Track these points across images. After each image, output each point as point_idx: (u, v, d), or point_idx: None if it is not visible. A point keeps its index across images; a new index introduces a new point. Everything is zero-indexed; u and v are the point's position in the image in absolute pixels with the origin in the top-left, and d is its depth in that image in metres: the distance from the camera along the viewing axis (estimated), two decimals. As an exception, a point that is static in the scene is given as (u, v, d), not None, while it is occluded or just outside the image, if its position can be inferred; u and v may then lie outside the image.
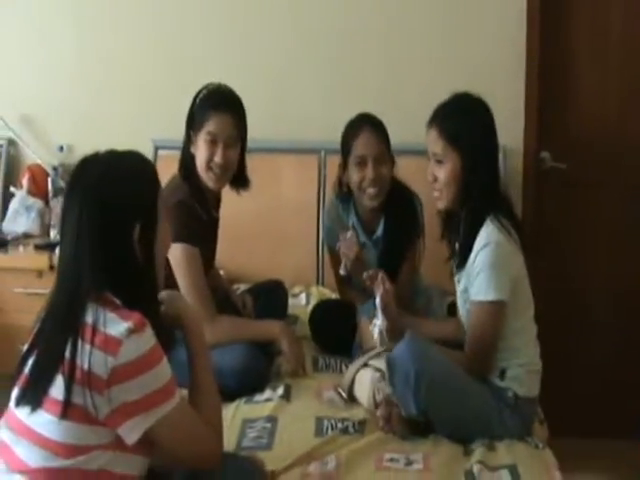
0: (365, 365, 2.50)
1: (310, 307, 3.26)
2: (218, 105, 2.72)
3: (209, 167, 2.72)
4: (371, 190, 2.89)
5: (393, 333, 2.41)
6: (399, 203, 2.96)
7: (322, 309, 3.09)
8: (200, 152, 2.72)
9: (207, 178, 2.75)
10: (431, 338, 2.44)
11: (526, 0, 3.53)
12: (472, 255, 2.32)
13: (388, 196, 2.93)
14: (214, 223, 2.90)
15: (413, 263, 3.01)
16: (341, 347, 2.87)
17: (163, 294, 1.89)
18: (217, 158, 2.70)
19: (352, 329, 2.85)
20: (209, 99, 2.74)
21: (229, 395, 2.47)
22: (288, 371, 2.69)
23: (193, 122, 2.74)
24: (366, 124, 2.91)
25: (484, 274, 2.28)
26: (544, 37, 3.55)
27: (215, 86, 2.77)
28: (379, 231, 2.99)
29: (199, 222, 2.73)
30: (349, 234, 2.85)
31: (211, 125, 2.70)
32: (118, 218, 1.69)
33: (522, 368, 2.36)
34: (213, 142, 2.70)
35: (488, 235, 2.30)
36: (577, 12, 3.59)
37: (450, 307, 2.94)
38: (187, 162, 2.77)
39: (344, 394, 2.52)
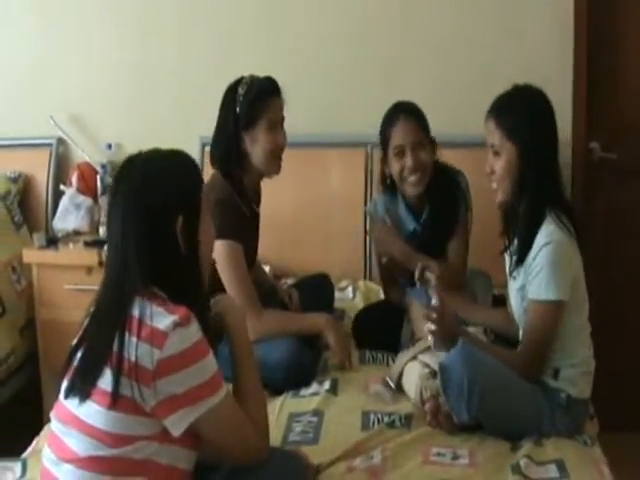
0: (414, 358, 2.49)
1: (356, 301, 3.24)
2: (269, 93, 2.71)
3: (275, 155, 2.74)
4: (412, 178, 2.85)
5: (445, 342, 2.35)
6: (442, 184, 2.91)
7: (365, 317, 3.04)
8: (264, 143, 2.70)
9: (273, 167, 2.76)
10: (480, 324, 2.44)
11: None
12: (532, 253, 2.27)
13: (431, 180, 2.89)
14: (256, 218, 2.90)
15: (462, 238, 2.95)
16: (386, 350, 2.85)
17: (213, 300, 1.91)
18: (281, 140, 2.74)
19: (396, 333, 2.83)
20: (254, 93, 2.69)
21: (276, 389, 2.48)
22: (335, 363, 2.69)
23: (240, 121, 2.69)
24: (400, 113, 2.88)
25: (544, 273, 2.23)
26: (592, 26, 3.48)
27: (248, 79, 2.72)
28: (425, 214, 2.94)
29: (242, 218, 2.73)
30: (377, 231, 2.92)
31: (270, 113, 2.70)
32: (161, 214, 1.71)
33: (576, 369, 2.31)
34: (274, 127, 2.72)
35: (550, 233, 2.25)
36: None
37: (494, 300, 2.91)
38: (231, 160, 2.74)
39: (392, 384, 2.51)
